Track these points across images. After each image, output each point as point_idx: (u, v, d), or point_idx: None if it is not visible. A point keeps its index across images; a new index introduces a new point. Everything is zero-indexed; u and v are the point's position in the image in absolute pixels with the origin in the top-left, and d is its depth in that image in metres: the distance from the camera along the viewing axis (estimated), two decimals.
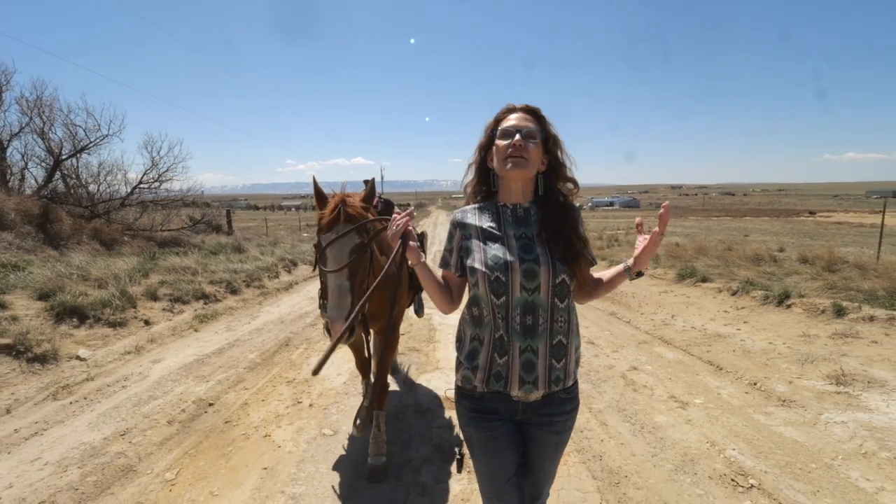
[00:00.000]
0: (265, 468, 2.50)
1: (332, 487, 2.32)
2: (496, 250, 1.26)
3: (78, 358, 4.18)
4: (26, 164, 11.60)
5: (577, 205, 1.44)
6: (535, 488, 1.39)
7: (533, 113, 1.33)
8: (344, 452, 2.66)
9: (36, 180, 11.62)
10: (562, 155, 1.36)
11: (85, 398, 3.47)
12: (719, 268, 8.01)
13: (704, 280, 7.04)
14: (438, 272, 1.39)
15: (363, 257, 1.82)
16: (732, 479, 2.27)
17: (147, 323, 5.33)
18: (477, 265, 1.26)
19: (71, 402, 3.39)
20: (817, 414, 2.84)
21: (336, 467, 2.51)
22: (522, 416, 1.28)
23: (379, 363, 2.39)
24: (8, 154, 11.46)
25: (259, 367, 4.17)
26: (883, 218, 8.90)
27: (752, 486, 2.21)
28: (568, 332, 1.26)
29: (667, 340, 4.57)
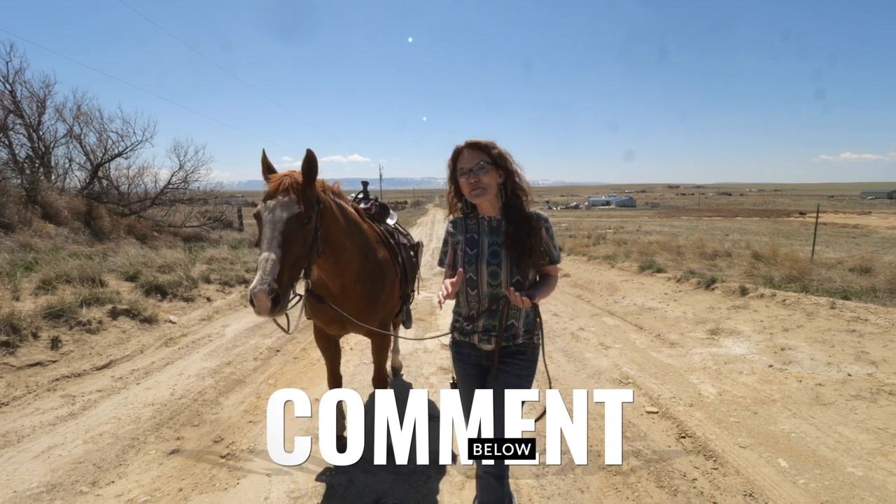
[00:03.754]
0: None
1: (371, 393, 3.75)
2: (472, 256, 1.70)
3: (170, 321, 5.60)
4: (69, 166, 12.96)
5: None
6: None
7: (477, 147, 1.67)
8: None
9: (79, 181, 12.97)
10: (512, 166, 1.70)
11: (187, 346, 4.88)
12: (675, 261, 9.48)
13: (659, 271, 8.47)
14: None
15: (301, 231, 1.75)
16: (620, 381, 3.71)
17: (209, 300, 6.75)
18: (459, 265, 1.72)
19: (179, 348, 4.81)
20: (688, 350, 4.30)
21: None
22: (486, 362, 1.75)
23: (374, 361, 2.65)
24: (53, 158, 12.81)
25: (304, 330, 5.57)
26: (816, 220, 10.35)
27: (630, 382, 3.66)
28: (519, 318, 1.70)
29: (612, 313, 6.02)
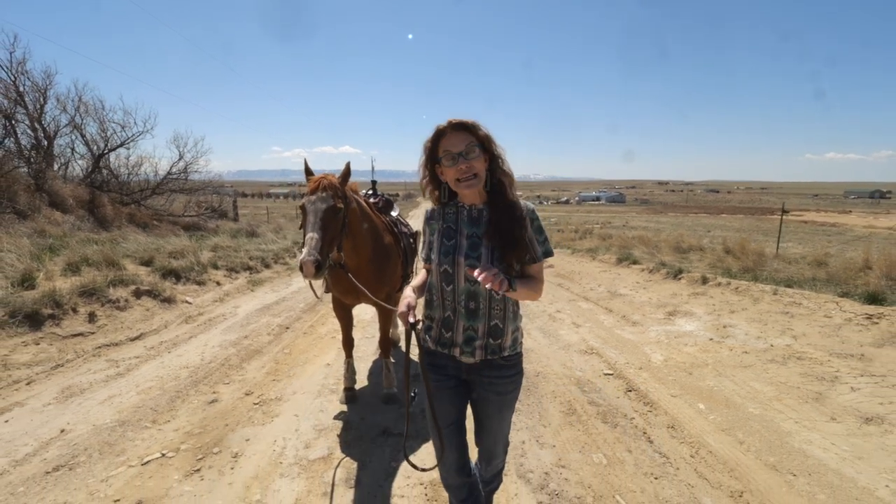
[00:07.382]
0: (338, 348, 4.53)
1: (374, 360, 4.38)
2: (449, 247, 1.52)
3: (186, 302, 6.14)
4: (72, 155, 13.25)
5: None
6: (487, 450, 1.66)
7: (463, 127, 1.47)
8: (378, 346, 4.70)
9: (82, 170, 13.28)
10: (496, 149, 1.51)
11: (205, 323, 5.44)
12: (651, 254, 10.19)
13: (635, 263, 9.18)
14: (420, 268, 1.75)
15: (335, 218, 2.28)
16: (586, 351, 4.38)
17: (218, 284, 7.29)
18: (433, 257, 1.55)
19: (198, 325, 5.37)
20: (647, 328, 4.99)
21: (374, 352, 4.55)
22: (467, 375, 1.54)
23: (380, 328, 3.30)
24: (56, 147, 13.08)
25: (309, 311, 6.17)
26: (782, 218, 11.14)
27: (594, 353, 4.32)
28: (504, 318, 1.48)
29: (587, 298, 6.70)
